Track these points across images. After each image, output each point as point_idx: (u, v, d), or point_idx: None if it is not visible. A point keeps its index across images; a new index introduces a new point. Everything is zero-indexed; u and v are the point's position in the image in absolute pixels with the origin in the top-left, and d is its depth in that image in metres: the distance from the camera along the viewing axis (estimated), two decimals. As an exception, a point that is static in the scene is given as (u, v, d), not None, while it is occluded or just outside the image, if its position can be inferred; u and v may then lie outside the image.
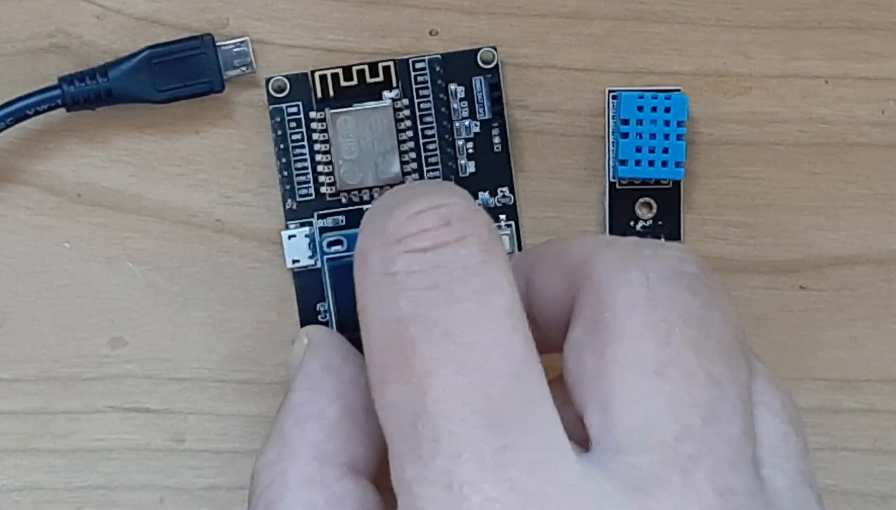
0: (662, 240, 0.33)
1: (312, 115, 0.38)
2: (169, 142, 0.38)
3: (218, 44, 0.37)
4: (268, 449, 0.34)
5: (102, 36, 0.38)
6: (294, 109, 0.38)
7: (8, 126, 0.37)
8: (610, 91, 0.38)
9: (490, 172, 0.38)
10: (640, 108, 0.37)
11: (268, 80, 0.38)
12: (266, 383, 0.39)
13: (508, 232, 0.38)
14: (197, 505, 0.39)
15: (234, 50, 0.37)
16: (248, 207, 0.38)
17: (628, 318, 0.30)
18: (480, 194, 0.38)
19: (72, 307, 0.39)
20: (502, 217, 0.38)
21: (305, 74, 0.38)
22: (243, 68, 0.38)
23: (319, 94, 0.38)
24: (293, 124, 0.38)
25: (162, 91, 0.37)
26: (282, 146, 0.38)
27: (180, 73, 0.37)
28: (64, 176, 0.38)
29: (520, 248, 0.38)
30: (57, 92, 0.37)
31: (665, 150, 0.37)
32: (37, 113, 0.37)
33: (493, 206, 0.38)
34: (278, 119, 0.38)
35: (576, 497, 0.29)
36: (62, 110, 0.37)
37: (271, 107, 0.38)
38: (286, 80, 0.38)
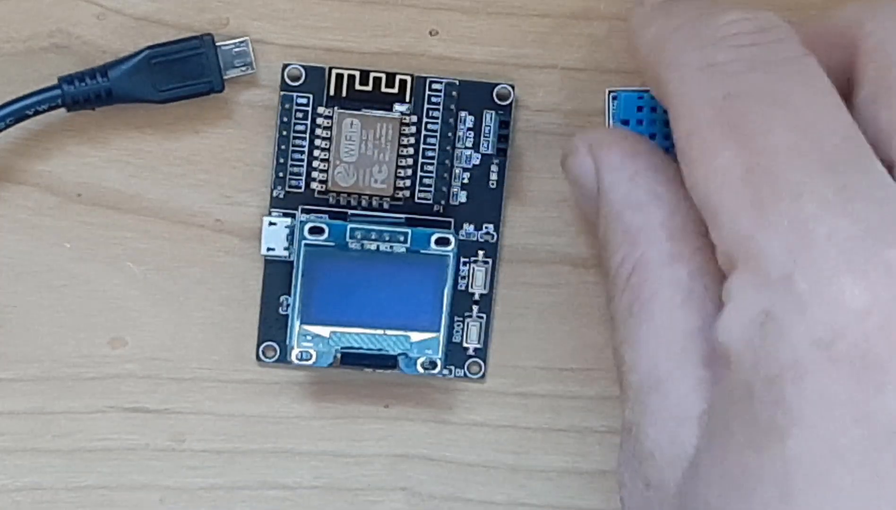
0: None
1: (321, 110, 0.38)
2: (169, 142, 0.38)
3: (218, 44, 0.37)
4: (615, 251, 0.34)
5: (102, 36, 0.38)
6: (304, 101, 0.38)
7: (8, 126, 0.37)
8: (610, 91, 0.38)
9: (480, 206, 0.38)
10: (639, 109, 0.37)
11: (284, 66, 0.38)
12: (266, 383, 0.39)
13: (484, 269, 0.39)
14: (197, 505, 0.39)
15: (234, 50, 0.37)
16: (248, 207, 0.38)
17: None
18: (465, 225, 0.38)
19: (72, 307, 0.39)
20: (481, 253, 0.39)
21: (322, 69, 0.38)
22: (243, 68, 0.38)
23: (332, 92, 0.38)
24: (300, 115, 0.38)
25: (162, 91, 0.37)
26: (283, 133, 0.38)
27: (180, 73, 0.37)
28: (64, 176, 0.38)
29: (492, 288, 0.39)
30: (57, 92, 0.37)
31: (665, 151, 0.37)
32: (37, 113, 0.37)
33: (474, 240, 0.38)
34: (287, 106, 0.38)
35: None
36: (62, 110, 0.37)
37: (282, 93, 0.38)
38: (302, 70, 0.38)
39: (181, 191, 0.38)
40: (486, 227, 0.39)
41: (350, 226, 0.37)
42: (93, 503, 0.39)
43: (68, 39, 0.38)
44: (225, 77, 0.37)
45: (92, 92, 0.37)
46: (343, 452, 0.39)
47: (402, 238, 0.37)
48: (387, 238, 0.37)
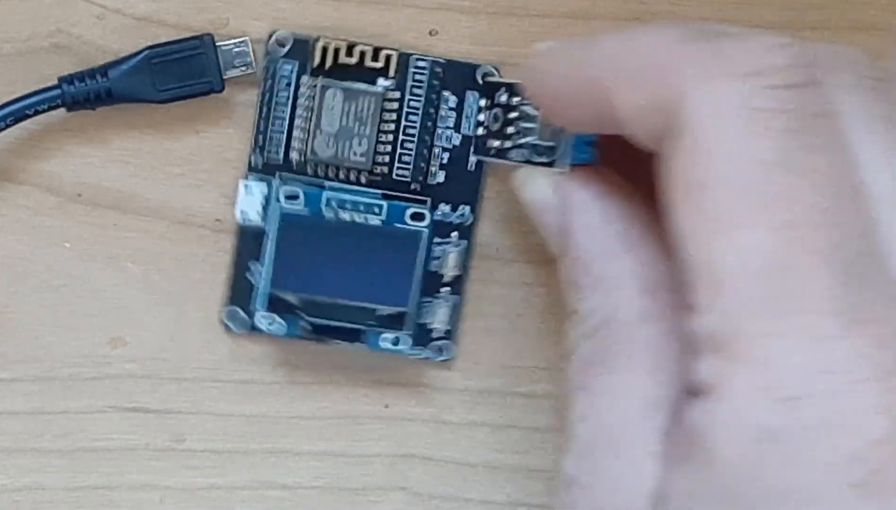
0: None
1: (304, 79, 0.38)
2: (169, 142, 0.38)
3: (218, 44, 0.37)
4: (584, 297, 0.32)
5: (102, 36, 0.38)
6: (288, 67, 0.38)
7: (8, 126, 0.37)
8: None
9: (457, 188, 0.38)
10: None
11: (272, 33, 0.37)
12: (266, 383, 0.39)
13: (456, 251, 0.38)
14: (197, 505, 0.39)
15: (234, 50, 0.37)
16: (248, 207, 0.39)
17: None
18: (441, 206, 0.38)
19: (72, 307, 0.39)
20: (454, 234, 0.38)
21: (308, 39, 0.37)
22: (243, 68, 0.38)
23: (317, 62, 0.37)
24: (283, 83, 0.38)
25: (162, 91, 0.37)
26: (266, 98, 0.38)
27: (180, 73, 0.37)
28: (64, 176, 0.38)
29: (465, 271, 0.38)
30: (57, 92, 0.37)
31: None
32: (37, 113, 0.37)
33: (449, 221, 0.38)
34: (271, 71, 0.38)
35: None
36: (62, 110, 0.37)
37: (267, 59, 0.38)
38: (291, 38, 0.37)
39: (181, 191, 0.38)
40: (462, 209, 0.38)
41: (326, 194, 0.37)
42: (93, 503, 0.39)
43: (68, 39, 0.38)
44: (225, 77, 0.37)
45: (92, 92, 0.37)
46: (343, 452, 0.39)
47: (377, 210, 0.37)
48: (362, 209, 0.37)
